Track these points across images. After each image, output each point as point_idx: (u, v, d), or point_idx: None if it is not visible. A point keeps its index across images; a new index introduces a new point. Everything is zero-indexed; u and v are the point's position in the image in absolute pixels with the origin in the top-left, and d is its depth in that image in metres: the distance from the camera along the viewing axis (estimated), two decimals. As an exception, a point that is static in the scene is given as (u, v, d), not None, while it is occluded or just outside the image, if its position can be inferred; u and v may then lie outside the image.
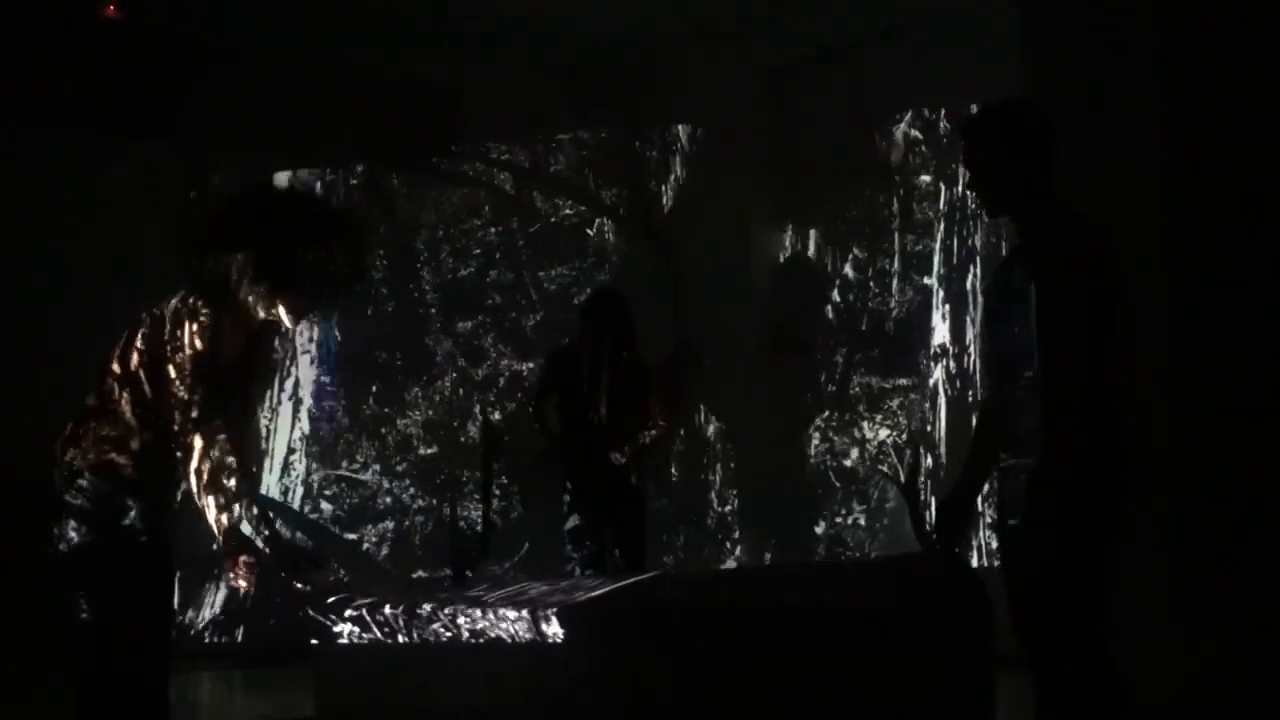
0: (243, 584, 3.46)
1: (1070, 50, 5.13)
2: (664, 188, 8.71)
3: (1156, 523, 4.49)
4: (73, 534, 3.51)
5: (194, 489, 3.45)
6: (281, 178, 8.38)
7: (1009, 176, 3.54)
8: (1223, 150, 4.89)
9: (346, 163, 8.55)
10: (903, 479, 7.97)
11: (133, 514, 3.55)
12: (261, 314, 3.52)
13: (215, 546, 3.44)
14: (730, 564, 8.36)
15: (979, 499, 3.75)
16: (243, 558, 3.42)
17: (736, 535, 8.42)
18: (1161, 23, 4.93)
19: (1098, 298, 3.46)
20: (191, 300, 3.44)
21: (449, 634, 3.87)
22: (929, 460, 8.02)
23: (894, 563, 5.03)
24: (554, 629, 3.66)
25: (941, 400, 7.98)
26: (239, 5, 7.36)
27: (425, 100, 8.17)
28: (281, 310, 3.51)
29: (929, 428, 8.01)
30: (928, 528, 3.96)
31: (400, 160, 8.47)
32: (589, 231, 8.80)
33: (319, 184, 8.75)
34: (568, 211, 8.86)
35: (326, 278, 3.51)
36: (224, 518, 3.43)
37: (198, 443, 3.44)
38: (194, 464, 3.43)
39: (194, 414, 3.42)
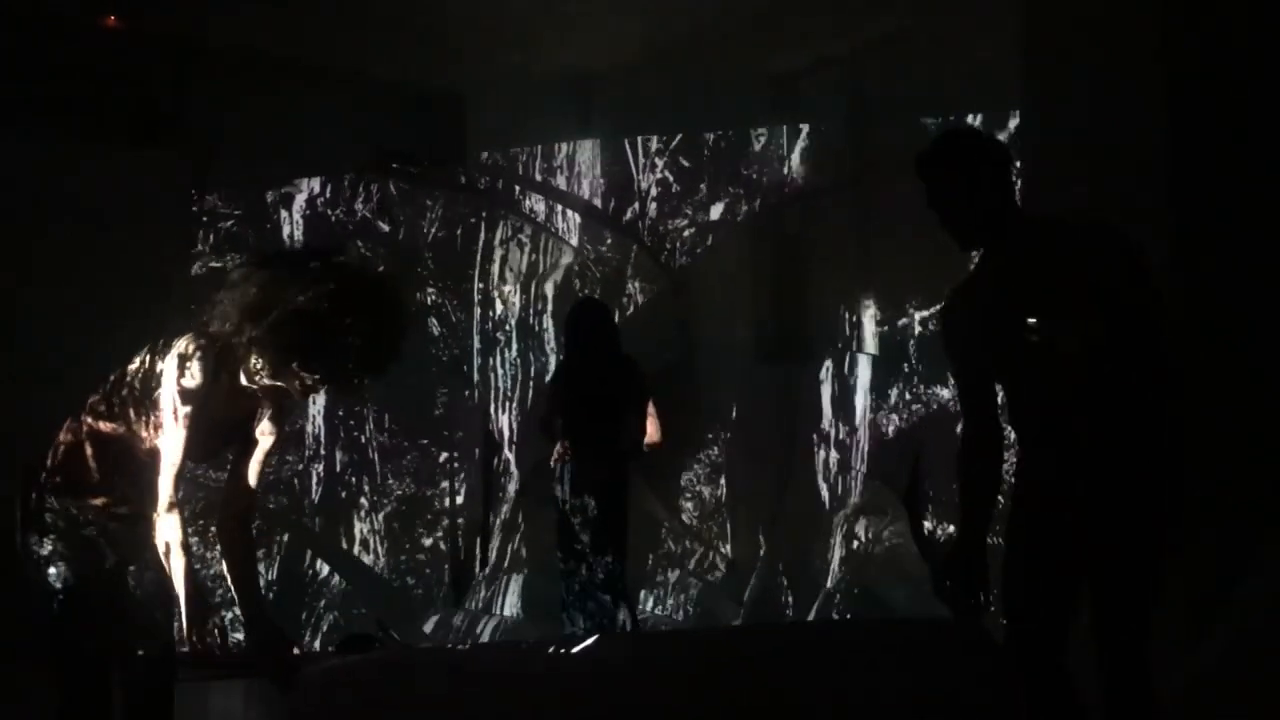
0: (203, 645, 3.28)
1: (1071, 53, 5.12)
2: (665, 195, 8.70)
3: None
4: (49, 555, 3.47)
5: (159, 532, 3.29)
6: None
7: (983, 206, 3.46)
8: (1226, 151, 4.87)
9: (347, 171, 8.54)
10: (903, 489, 7.96)
11: (104, 539, 3.51)
12: (265, 381, 3.38)
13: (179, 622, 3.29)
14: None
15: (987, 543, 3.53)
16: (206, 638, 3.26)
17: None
18: (1162, 24, 4.92)
19: (1140, 296, 3.39)
20: (189, 346, 3.32)
21: None
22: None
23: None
24: None
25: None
26: (240, 13, 7.36)
27: (427, 108, 8.17)
28: (290, 382, 3.34)
29: (930, 435, 7.99)
30: (927, 534, 3.78)
31: (402, 169, 8.47)
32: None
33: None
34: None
35: (343, 358, 3.28)
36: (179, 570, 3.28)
37: (167, 490, 3.29)
38: (164, 513, 3.29)
39: (171, 460, 3.30)
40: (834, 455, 8.16)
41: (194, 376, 3.29)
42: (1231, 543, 4.66)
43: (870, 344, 8.17)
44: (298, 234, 8.71)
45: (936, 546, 7.67)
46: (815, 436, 8.22)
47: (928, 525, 7.91)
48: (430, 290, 8.72)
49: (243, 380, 3.40)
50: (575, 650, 3.74)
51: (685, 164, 8.59)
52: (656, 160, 8.65)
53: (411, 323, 3.45)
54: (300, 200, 8.79)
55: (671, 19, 7.54)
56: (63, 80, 6.77)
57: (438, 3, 7.25)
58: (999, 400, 3.54)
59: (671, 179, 8.64)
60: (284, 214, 8.63)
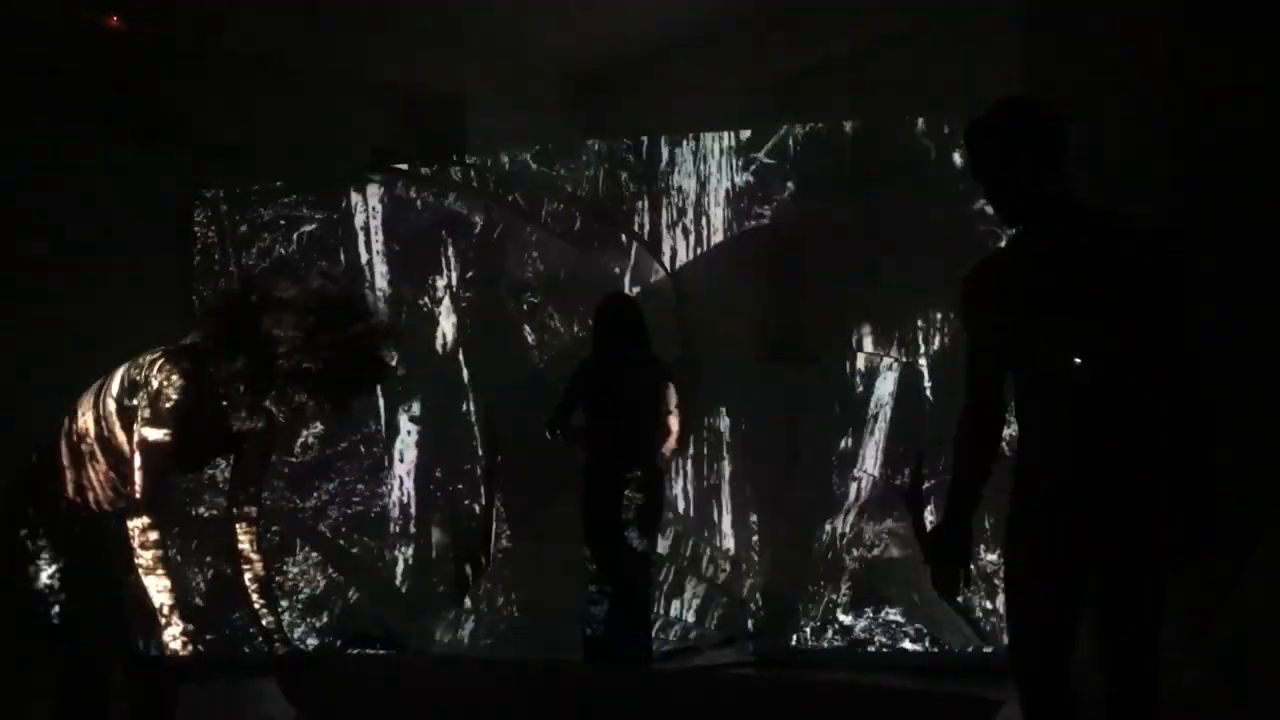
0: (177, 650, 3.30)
1: (1072, 52, 5.12)
2: (665, 194, 8.71)
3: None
4: (43, 557, 3.48)
5: (136, 540, 3.33)
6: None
7: (1027, 180, 3.36)
8: (1226, 151, 4.87)
9: (348, 173, 8.54)
10: (907, 487, 7.96)
11: (95, 542, 3.52)
12: (249, 402, 3.39)
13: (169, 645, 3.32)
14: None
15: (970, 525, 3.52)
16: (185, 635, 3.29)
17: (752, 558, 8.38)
18: (1163, 24, 4.92)
19: (1174, 295, 3.34)
20: (175, 361, 3.35)
21: None
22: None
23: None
24: None
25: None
26: (241, 16, 7.38)
27: (428, 110, 8.19)
28: (273, 406, 3.36)
29: (930, 435, 7.99)
30: (929, 533, 3.74)
31: (403, 170, 8.48)
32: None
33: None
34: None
35: (329, 386, 3.30)
36: (165, 595, 3.32)
37: (146, 500, 3.34)
38: (143, 520, 3.33)
39: (151, 470, 3.33)
40: (836, 457, 8.16)
41: (177, 391, 3.32)
42: (1231, 543, 4.65)
43: (872, 345, 8.17)
44: (295, 242, 8.73)
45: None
46: (818, 439, 8.22)
47: (930, 525, 7.92)
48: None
49: (226, 401, 3.42)
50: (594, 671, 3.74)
51: (689, 164, 8.59)
52: (660, 160, 8.66)
53: (399, 341, 3.44)
54: (298, 205, 8.80)
55: (672, 19, 7.56)
56: (65, 81, 6.79)
57: (437, 4, 7.28)
58: (1006, 381, 3.52)
59: (675, 178, 8.65)
60: (281, 222, 8.64)
